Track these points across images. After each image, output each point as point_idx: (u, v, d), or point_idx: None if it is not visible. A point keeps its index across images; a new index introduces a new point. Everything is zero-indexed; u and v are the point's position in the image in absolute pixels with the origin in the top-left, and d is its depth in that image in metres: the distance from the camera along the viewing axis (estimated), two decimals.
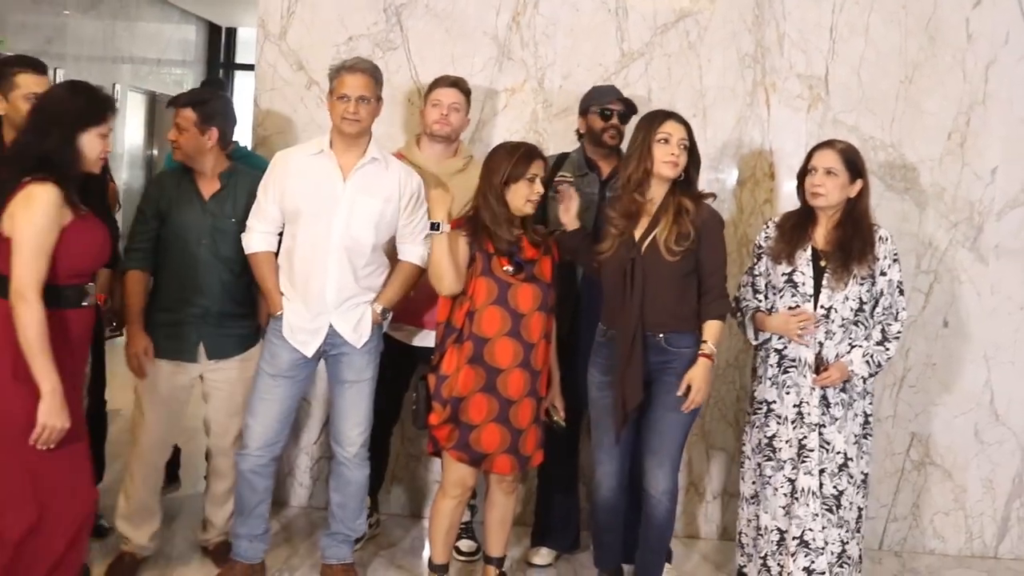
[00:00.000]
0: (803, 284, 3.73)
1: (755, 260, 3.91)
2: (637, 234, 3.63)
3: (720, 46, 4.61)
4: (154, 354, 3.87)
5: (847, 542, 3.76)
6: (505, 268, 3.61)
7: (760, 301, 3.86)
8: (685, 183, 3.65)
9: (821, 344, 3.72)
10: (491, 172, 3.65)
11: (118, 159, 9.07)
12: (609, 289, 3.68)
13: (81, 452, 3.13)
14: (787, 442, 3.76)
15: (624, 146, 3.97)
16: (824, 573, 3.70)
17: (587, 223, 3.95)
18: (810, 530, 3.71)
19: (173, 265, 3.88)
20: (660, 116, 3.66)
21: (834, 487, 3.73)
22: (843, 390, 3.74)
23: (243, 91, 11.40)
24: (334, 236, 3.73)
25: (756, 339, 3.87)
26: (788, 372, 3.77)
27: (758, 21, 4.60)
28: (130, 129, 9.72)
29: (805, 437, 3.73)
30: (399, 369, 4.26)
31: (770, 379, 3.81)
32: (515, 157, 3.63)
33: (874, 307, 3.76)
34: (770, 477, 3.80)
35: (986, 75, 4.61)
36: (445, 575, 3.88)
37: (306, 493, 4.83)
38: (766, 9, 4.59)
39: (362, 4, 4.63)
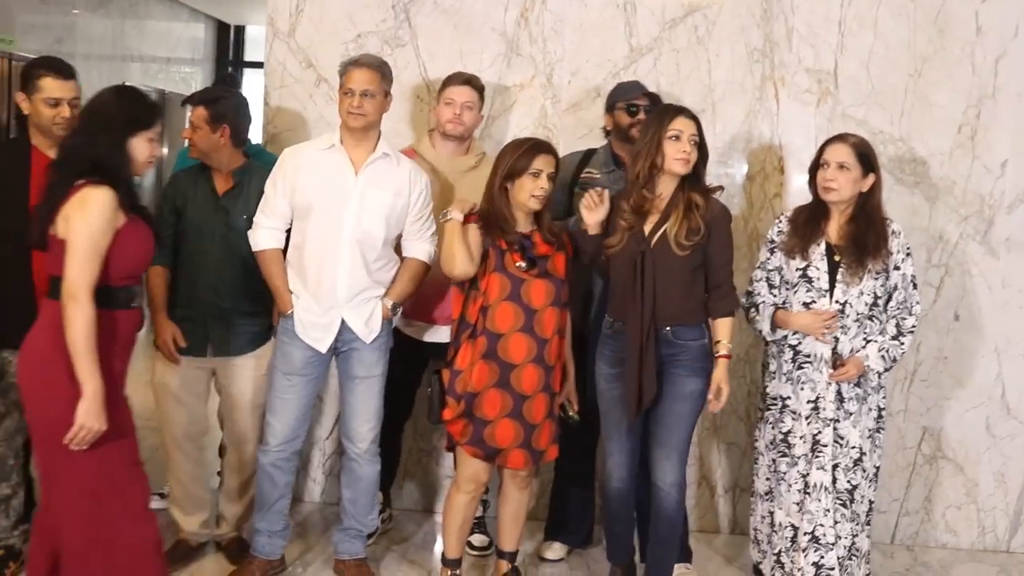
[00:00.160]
0: (818, 279, 3.73)
1: (768, 255, 3.89)
2: (647, 228, 3.64)
3: (729, 41, 4.61)
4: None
5: (856, 535, 3.77)
6: (518, 264, 3.62)
7: (775, 296, 3.86)
8: (694, 177, 3.65)
9: (836, 339, 3.72)
10: (497, 167, 3.68)
11: None
12: (618, 282, 3.69)
13: (132, 448, 3.18)
14: (801, 438, 3.76)
15: None
16: (833, 568, 3.70)
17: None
18: (821, 525, 3.71)
19: (187, 261, 3.92)
20: (671, 112, 3.66)
21: (848, 481, 3.73)
22: (857, 385, 3.74)
23: (252, 89, 11.42)
24: (346, 230, 3.75)
25: (773, 335, 3.86)
26: (803, 368, 3.77)
27: (766, 15, 4.59)
28: None
29: (820, 432, 3.73)
30: (409, 365, 4.27)
31: (785, 375, 3.81)
32: (519, 152, 3.64)
33: (888, 301, 3.76)
34: (784, 473, 3.80)
35: (996, 68, 4.60)
36: (458, 570, 3.89)
37: (319, 489, 4.85)
38: (774, 3, 4.59)
39: (370, 1, 4.64)
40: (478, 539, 4.35)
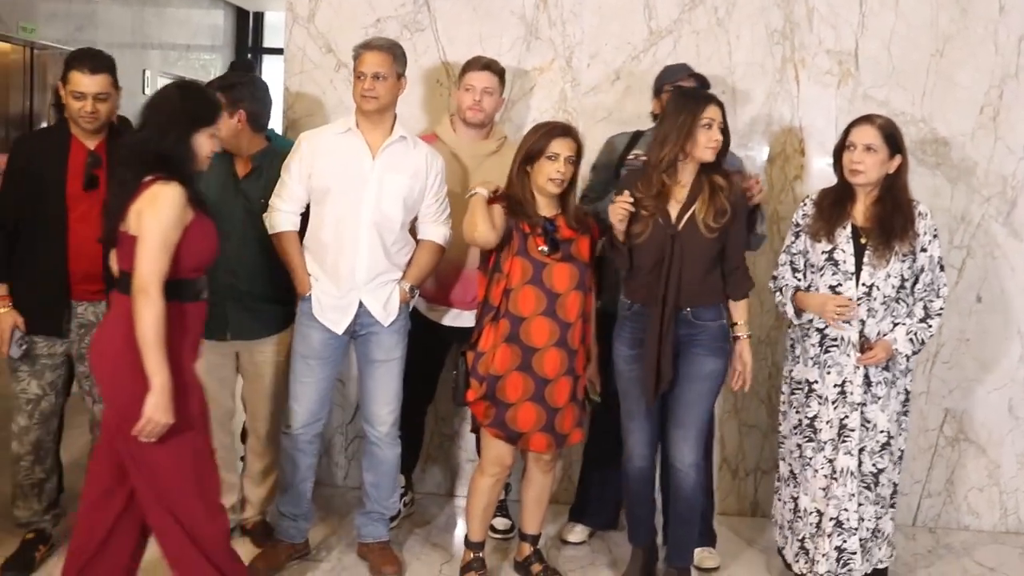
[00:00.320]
0: (844, 262, 3.70)
1: (793, 238, 3.88)
2: (673, 213, 3.64)
3: (748, 22, 4.59)
4: None
5: (880, 517, 3.77)
6: (540, 248, 3.62)
7: (799, 280, 3.85)
8: (715, 161, 3.66)
9: (863, 322, 3.69)
10: (519, 150, 3.70)
11: None
12: (642, 266, 3.68)
13: (205, 440, 3.23)
14: (828, 423, 3.73)
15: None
16: (855, 553, 3.70)
17: None
18: (845, 510, 3.70)
19: None
20: (703, 100, 3.64)
21: (874, 465, 3.72)
22: (886, 368, 3.72)
23: (272, 75, 11.45)
24: (364, 213, 3.76)
25: (799, 319, 3.85)
26: (830, 351, 3.74)
27: None
28: None
29: (847, 417, 3.71)
30: (429, 349, 4.29)
31: (811, 359, 3.79)
32: (537, 135, 3.66)
33: (915, 284, 3.74)
34: (810, 459, 3.78)
35: (1019, 47, 4.56)
36: (481, 552, 3.92)
37: (342, 473, 4.87)
38: None
39: None
40: (500, 522, 4.36)
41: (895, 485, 3.82)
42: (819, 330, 3.76)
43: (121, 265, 3.10)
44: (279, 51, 5.26)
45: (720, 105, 3.65)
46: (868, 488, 3.73)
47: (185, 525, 3.12)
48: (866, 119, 3.76)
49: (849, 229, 3.72)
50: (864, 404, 3.71)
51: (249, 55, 11.85)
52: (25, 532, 3.92)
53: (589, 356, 3.81)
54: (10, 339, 3.71)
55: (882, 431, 3.72)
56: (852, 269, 3.70)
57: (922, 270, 3.72)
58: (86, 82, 3.68)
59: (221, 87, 3.92)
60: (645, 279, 3.67)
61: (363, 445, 4.05)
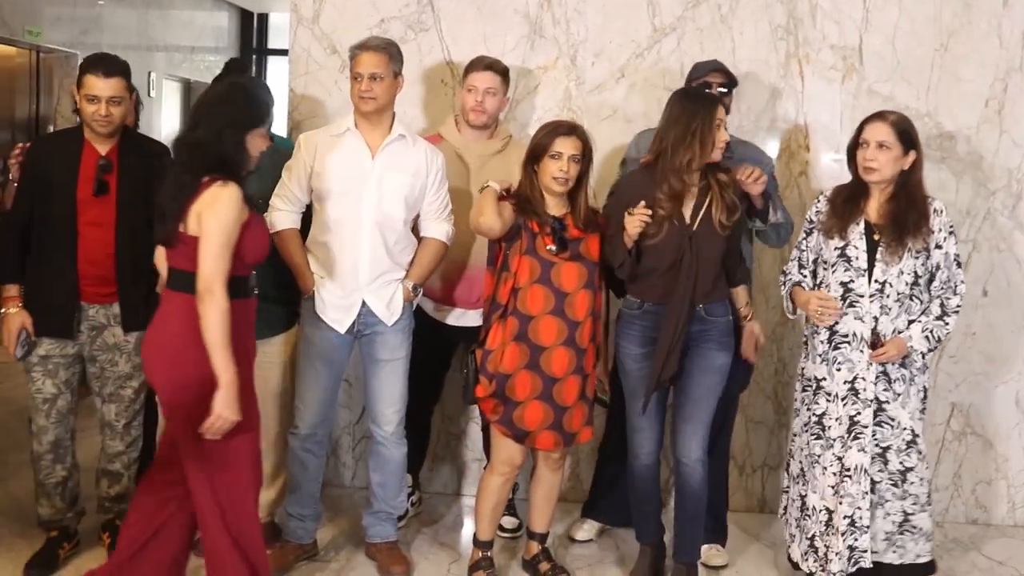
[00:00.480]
0: (856, 258, 3.68)
1: (805, 235, 3.87)
2: (687, 213, 3.65)
3: (752, 19, 4.59)
4: None
5: (912, 513, 3.72)
6: (548, 248, 3.63)
7: (804, 276, 3.85)
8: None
9: (876, 319, 3.67)
10: (527, 149, 3.72)
11: None
12: (656, 267, 3.67)
13: (256, 441, 3.31)
14: (837, 420, 3.71)
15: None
16: (866, 551, 3.67)
17: None
18: (859, 508, 3.67)
19: None
20: (712, 101, 3.67)
21: (900, 463, 3.69)
22: (903, 365, 3.69)
23: (277, 76, 11.46)
24: (365, 212, 3.77)
25: (794, 314, 3.88)
26: (840, 348, 3.71)
27: None
28: (166, 116, 9.81)
29: (859, 413, 3.67)
30: (435, 349, 4.29)
31: (820, 355, 3.77)
32: (543, 133, 3.67)
33: (930, 281, 3.70)
34: (819, 456, 3.76)
35: (1023, 41, 4.55)
36: (489, 551, 3.92)
37: (350, 474, 4.89)
38: None
39: None
40: (508, 521, 4.36)
41: (928, 482, 3.77)
42: (828, 327, 3.74)
43: (177, 263, 3.17)
44: (284, 52, 5.27)
45: (724, 103, 3.67)
46: (895, 485, 3.70)
47: (230, 520, 3.21)
48: (879, 116, 3.73)
49: (862, 225, 3.70)
50: (886, 402, 3.68)
51: (254, 56, 11.86)
52: (49, 530, 3.96)
53: (599, 354, 3.82)
54: (17, 339, 3.74)
55: (906, 428, 3.69)
56: (864, 266, 3.67)
57: (938, 267, 3.68)
58: (100, 85, 3.70)
59: None
60: (660, 279, 3.68)
61: (370, 445, 4.06)
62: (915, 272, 3.66)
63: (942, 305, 3.69)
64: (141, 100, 4.38)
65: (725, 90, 4.07)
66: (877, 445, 3.69)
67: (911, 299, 3.68)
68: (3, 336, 3.80)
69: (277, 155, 3.95)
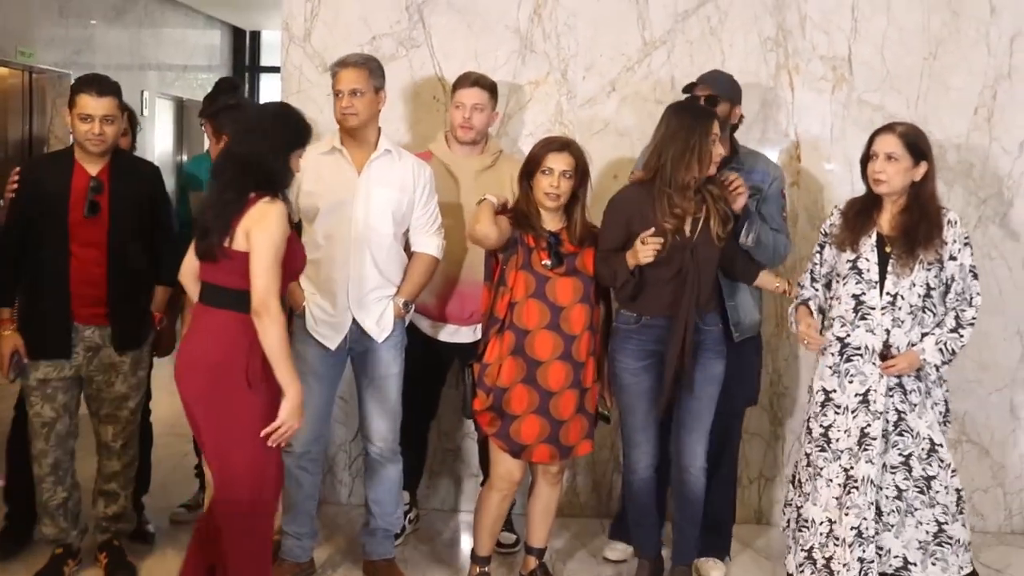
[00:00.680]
0: (867, 271, 3.64)
1: (819, 248, 3.83)
2: (686, 226, 3.67)
3: (742, 30, 4.61)
4: None
5: (944, 523, 3.65)
6: (544, 263, 3.63)
7: (816, 291, 3.82)
8: None
9: (888, 331, 3.61)
10: (522, 164, 3.75)
11: None
12: (657, 280, 3.67)
13: (279, 457, 3.38)
14: (845, 432, 3.65)
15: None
16: (873, 561, 3.61)
17: None
18: (864, 519, 3.61)
19: None
20: (708, 116, 3.69)
21: (923, 470, 3.63)
22: (917, 377, 3.63)
23: (269, 94, 11.49)
24: (353, 228, 3.78)
25: (796, 330, 3.86)
26: (851, 360, 3.66)
27: (779, 4, 4.59)
28: (159, 135, 9.82)
29: (868, 425, 3.61)
30: (429, 366, 4.29)
31: (830, 367, 3.71)
32: (536, 148, 3.69)
33: (945, 293, 3.65)
34: (822, 468, 3.70)
35: (1011, 48, 4.57)
36: (487, 567, 3.92)
37: (346, 491, 4.88)
38: None
39: (384, 3, 4.66)
40: (506, 536, 4.35)
41: (958, 492, 3.68)
42: (840, 339, 3.69)
43: (216, 279, 3.21)
44: (276, 70, 5.29)
45: (718, 117, 3.72)
46: (921, 492, 3.64)
47: (258, 532, 3.27)
48: (888, 128, 3.69)
49: (874, 238, 3.65)
50: (904, 412, 3.63)
51: (246, 74, 11.88)
52: (54, 548, 3.97)
53: (600, 368, 3.82)
54: (9, 362, 3.74)
55: (924, 438, 3.62)
56: (875, 278, 3.63)
57: (952, 279, 3.62)
58: (93, 104, 3.72)
59: (206, 113, 3.99)
60: (662, 292, 3.68)
61: (365, 462, 4.05)
62: (927, 284, 3.60)
63: (957, 317, 3.62)
64: (139, 122, 4.39)
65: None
66: (900, 454, 3.63)
67: (924, 311, 3.62)
68: None
69: None
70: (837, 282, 3.74)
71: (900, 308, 3.60)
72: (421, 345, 4.14)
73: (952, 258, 3.62)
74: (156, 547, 4.29)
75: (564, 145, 3.68)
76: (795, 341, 4.70)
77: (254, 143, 3.20)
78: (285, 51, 4.74)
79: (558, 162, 3.63)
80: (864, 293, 3.64)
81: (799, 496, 3.82)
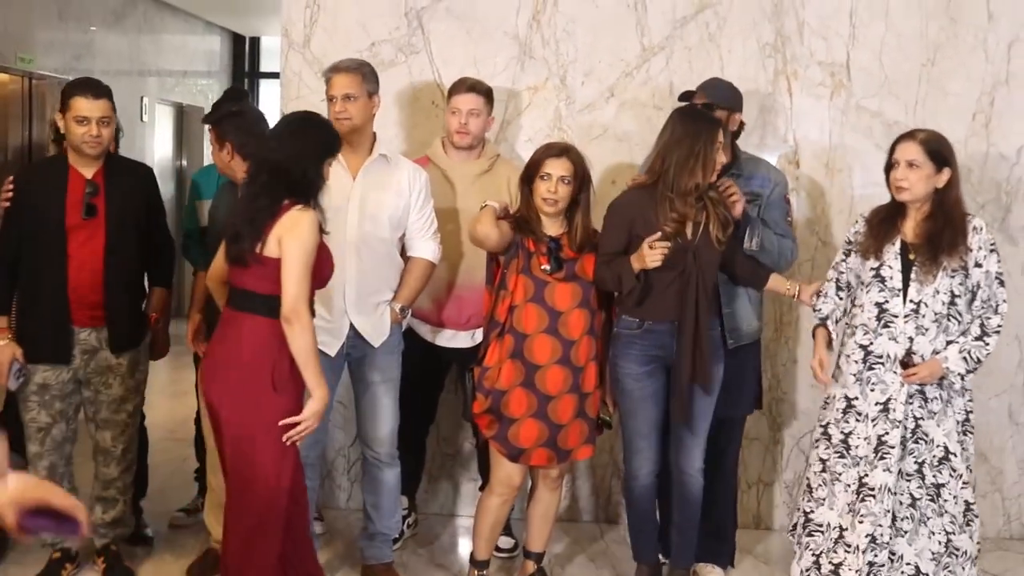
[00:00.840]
0: (891, 278, 3.60)
1: (843, 256, 3.79)
2: (687, 230, 3.67)
3: (740, 36, 4.62)
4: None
5: (953, 533, 3.62)
6: (543, 267, 3.64)
7: (841, 299, 3.78)
8: None
9: (911, 339, 3.57)
10: (523, 169, 3.76)
11: None
12: (659, 285, 3.68)
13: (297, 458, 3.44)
14: (865, 439, 3.62)
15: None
16: (884, 566, 3.59)
17: None
18: (880, 526, 3.58)
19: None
20: (713, 124, 3.70)
21: (934, 477, 3.60)
22: (939, 385, 3.59)
23: (269, 100, 11.48)
24: (349, 233, 3.78)
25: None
26: (874, 368, 3.62)
27: (777, 10, 4.60)
28: (159, 141, 9.82)
29: (886, 433, 3.58)
30: (428, 370, 4.30)
31: (853, 375, 3.67)
32: (536, 153, 3.70)
33: (971, 301, 3.60)
34: (840, 474, 3.67)
35: (1008, 54, 4.59)
36: (485, 571, 3.92)
37: (345, 496, 4.88)
38: None
39: (383, 9, 4.67)
40: (504, 541, 4.36)
41: (967, 503, 3.65)
42: (862, 347, 3.65)
43: (247, 284, 3.26)
44: (275, 76, 5.30)
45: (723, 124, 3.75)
46: (932, 500, 3.61)
47: (268, 534, 3.30)
48: (908, 135, 3.66)
49: (898, 245, 3.62)
50: (922, 419, 3.59)
51: (246, 80, 11.88)
52: (52, 551, 3.99)
53: (602, 373, 3.82)
54: (9, 371, 3.74)
55: (939, 445, 3.59)
56: (899, 286, 3.59)
57: (978, 286, 3.57)
58: (89, 106, 3.73)
59: (210, 120, 3.99)
60: (664, 296, 3.68)
61: (363, 467, 4.06)
62: (951, 291, 3.56)
63: (982, 325, 3.57)
64: (121, 127, 4.41)
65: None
66: (915, 461, 3.60)
67: (949, 319, 3.57)
68: None
69: None
70: (861, 290, 3.70)
71: (924, 316, 3.56)
72: (420, 350, 4.14)
73: (977, 265, 3.57)
74: (154, 551, 4.30)
75: (563, 151, 3.68)
76: (794, 347, 4.72)
77: (289, 150, 3.25)
78: (284, 57, 4.75)
79: (556, 167, 3.64)
80: (887, 301, 3.60)
81: (810, 501, 3.78)
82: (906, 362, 3.57)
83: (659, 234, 3.59)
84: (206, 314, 4.02)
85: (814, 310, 3.81)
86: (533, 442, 3.67)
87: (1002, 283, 3.59)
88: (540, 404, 3.66)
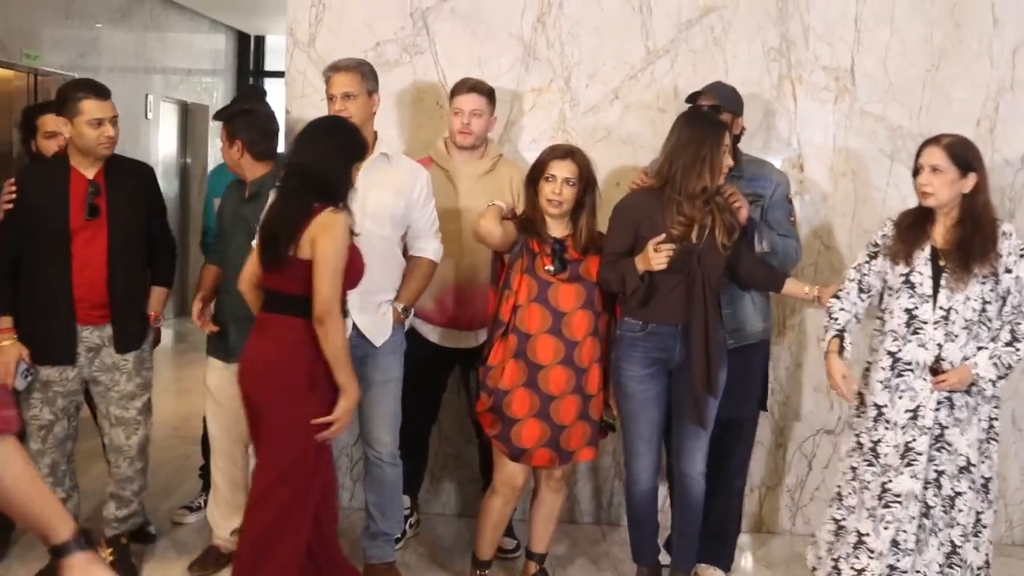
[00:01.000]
0: (920, 284, 3.55)
1: (868, 258, 3.73)
2: (693, 233, 3.67)
3: (745, 40, 4.62)
4: (206, 351, 4.08)
5: (959, 544, 3.60)
6: (546, 268, 3.65)
7: (862, 300, 3.72)
8: None
9: (940, 346, 3.52)
10: (528, 170, 3.77)
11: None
12: (664, 288, 3.68)
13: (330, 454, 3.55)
14: (895, 447, 3.58)
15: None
16: (907, 572, 3.58)
17: None
18: (904, 531, 3.56)
19: (220, 267, 4.07)
20: (720, 127, 3.70)
21: (952, 488, 3.57)
22: (967, 392, 3.54)
23: (274, 98, 11.48)
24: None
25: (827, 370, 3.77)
26: (903, 375, 3.58)
27: (782, 14, 4.60)
28: (163, 138, 9.83)
29: (914, 440, 3.55)
30: (430, 370, 4.30)
31: (881, 382, 3.63)
32: (542, 155, 3.71)
33: (1002, 307, 3.55)
34: (869, 483, 3.64)
35: (1013, 60, 4.59)
36: (487, 571, 3.93)
37: (347, 495, 4.89)
38: (790, 2, 4.59)
39: (389, 9, 4.68)
40: (507, 541, 4.36)
41: (979, 514, 3.61)
42: (891, 353, 3.61)
43: (281, 286, 3.32)
44: (280, 74, 5.30)
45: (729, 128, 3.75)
46: (945, 511, 3.58)
47: (301, 529, 3.34)
48: (933, 140, 3.62)
49: (928, 251, 3.57)
50: (947, 427, 3.55)
51: (251, 79, 11.88)
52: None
53: (607, 376, 3.82)
54: (15, 371, 3.75)
55: (962, 455, 3.55)
56: (929, 292, 3.54)
57: (1008, 292, 3.53)
58: (101, 108, 3.77)
59: (221, 117, 4.00)
60: (669, 298, 3.69)
61: (365, 466, 4.06)
62: (983, 298, 3.51)
63: (1012, 331, 3.52)
64: None
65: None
66: (935, 469, 3.57)
67: (980, 325, 3.52)
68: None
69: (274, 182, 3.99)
70: (890, 295, 3.66)
71: (954, 322, 3.52)
72: (422, 350, 4.15)
73: (1008, 271, 3.53)
74: (157, 548, 4.31)
75: (568, 152, 3.69)
76: (796, 350, 4.72)
77: (320, 154, 3.32)
78: (290, 56, 4.76)
79: (561, 169, 3.65)
80: (917, 307, 3.56)
81: (841, 509, 3.76)
82: (936, 369, 3.53)
83: (663, 236, 3.60)
84: (217, 308, 4.07)
85: (829, 316, 3.75)
86: (535, 442, 3.68)
87: None
88: (542, 404, 3.67)
